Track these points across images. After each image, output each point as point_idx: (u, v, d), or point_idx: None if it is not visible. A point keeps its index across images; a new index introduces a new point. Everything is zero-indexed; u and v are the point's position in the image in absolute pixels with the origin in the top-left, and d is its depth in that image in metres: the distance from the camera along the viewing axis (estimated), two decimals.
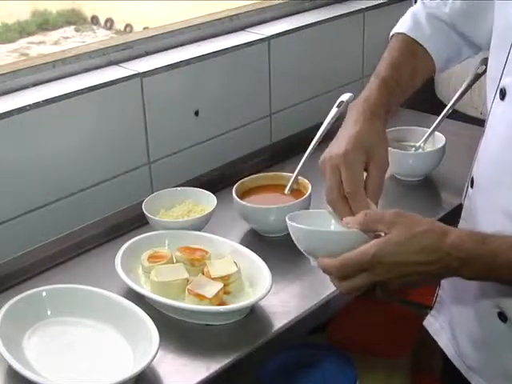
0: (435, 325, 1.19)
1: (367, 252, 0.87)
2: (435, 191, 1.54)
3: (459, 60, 1.26)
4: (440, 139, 1.56)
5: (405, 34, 1.21)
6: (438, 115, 1.59)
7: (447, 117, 1.58)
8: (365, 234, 0.92)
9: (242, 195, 1.38)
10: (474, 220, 1.04)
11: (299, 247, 0.97)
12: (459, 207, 1.45)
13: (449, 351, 1.14)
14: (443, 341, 1.16)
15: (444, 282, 1.16)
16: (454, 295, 1.12)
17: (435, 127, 1.57)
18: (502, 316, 1.00)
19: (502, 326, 1.01)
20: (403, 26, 1.22)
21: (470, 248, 0.87)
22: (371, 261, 0.87)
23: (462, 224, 1.10)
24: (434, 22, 1.21)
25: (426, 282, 0.93)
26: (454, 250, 0.86)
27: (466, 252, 0.86)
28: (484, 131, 1.06)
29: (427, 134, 1.57)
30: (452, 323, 1.13)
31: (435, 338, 1.18)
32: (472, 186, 1.06)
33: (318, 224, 1.00)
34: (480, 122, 1.83)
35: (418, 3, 1.26)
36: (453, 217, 1.45)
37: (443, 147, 1.54)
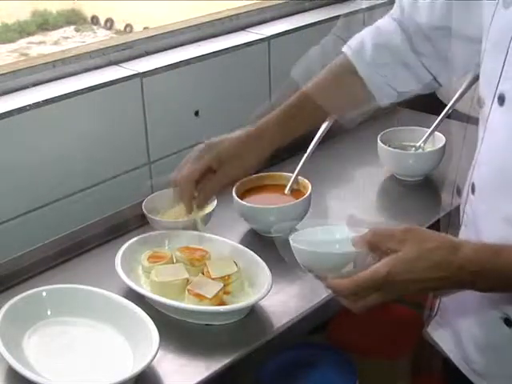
0: (439, 330, 1.18)
1: (380, 271, 0.86)
2: (435, 191, 1.54)
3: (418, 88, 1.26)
4: (440, 139, 1.56)
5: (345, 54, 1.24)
6: (438, 115, 1.59)
7: (447, 117, 1.58)
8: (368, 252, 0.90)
9: (242, 195, 1.38)
10: (476, 227, 1.03)
11: (302, 266, 0.96)
12: (459, 207, 1.46)
13: (454, 356, 1.13)
14: (448, 346, 1.15)
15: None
16: (457, 301, 1.11)
17: (435, 127, 1.57)
18: (508, 321, 1.00)
19: (507, 330, 1.00)
20: (351, 42, 1.25)
21: (482, 261, 0.86)
22: (384, 280, 0.86)
23: (463, 231, 1.09)
24: (382, 51, 1.23)
25: (440, 293, 0.93)
26: (466, 264, 0.86)
27: (479, 266, 0.86)
28: (480, 136, 1.06)
29: (427, 134, 1.57)
30: (456, 328, 1.12)
31: (439, 343, 1.17)
32: (473, 193, 1.05)
33: (322, 240, 0.98)
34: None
35: (386, 17, 1.28)
36: (453, 217, 1.45)
37: (443, 147, 1.54)
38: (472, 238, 1.02)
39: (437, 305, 1.17)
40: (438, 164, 1.54)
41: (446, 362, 1.15)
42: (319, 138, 1.42)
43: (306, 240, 0.97)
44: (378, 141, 1.54)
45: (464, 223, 1.09)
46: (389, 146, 1.54)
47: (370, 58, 1.22)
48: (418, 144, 1.57)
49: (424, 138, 1.56)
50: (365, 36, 1.25)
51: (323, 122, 1.29)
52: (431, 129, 1.57)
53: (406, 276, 0.86)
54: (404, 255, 0.86)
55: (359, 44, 1.24)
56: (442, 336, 1.17)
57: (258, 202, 1.36)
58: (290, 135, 1.25)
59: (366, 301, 0.92)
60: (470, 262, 0.86)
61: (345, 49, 1.25)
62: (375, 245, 0.89)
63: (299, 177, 1.39)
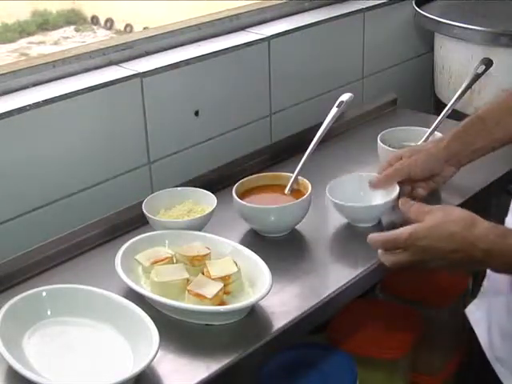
0: (476, 314, 1.21)
1: (403, 232, 1.02)
2: (435, 191, 1.53)
3: None
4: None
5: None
6: (438, 115, 1.59)
7: (447, 117, 1.58)
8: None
9: (242, 195, 1.38)
10: None
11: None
12: (460, 206, 1.46)
13: (483, 340, 1.17)
14: (480, 330, 1.19)
15: (490, 274, 1.18)
16: (495, 287, 1.15)
17: (435, 127, 1.56)
18: None
19: None
20: None
21: (492, 241, 0.94)
22: (407, 240, 1.01)
23: (509, 217, 1.17)
24: None
25: (454, 269, 1.06)
26: (477, 241, 0.95)
27: (489, 244, 0.94)
28: None
29: (427, 133, 1.57)
30: (489, 314, 1.15)
31: (473, 326, 1.21)
32: None
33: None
34: None
35: None
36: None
37: None
38: None
39: (480, 288, 1.23)
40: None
41: (478, 344, 1.18)
42: (319, 138, 1.42)
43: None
44: (378, 141, 1.54)
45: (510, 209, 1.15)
46: (389, 145, 1.54)
47: None
48: (418, 144, 1.57)
49: (424, 137, 1.56)
50: None
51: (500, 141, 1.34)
52: (431, 129, 1.57)
53: (424, 242, 0.99)
54: (427, 222, 1.00)
55: None
56: (476, 320, 1.20)
57: (258, 202, 1.36)
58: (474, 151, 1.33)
59: (394, 256, 1.06)
60: (480, 239, 0.95)
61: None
62: (415, 215, 1.05)
63: (299, 177, 1.39)
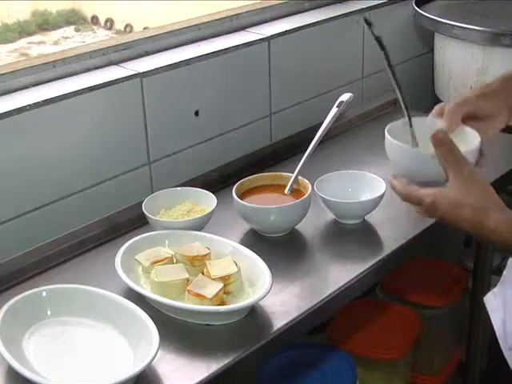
0: (493, 302, 1.22)
1: (426, 197, 1.02)
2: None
3: None
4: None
5: None
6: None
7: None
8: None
9: (242, 195, 1.38)
10: None
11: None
12: None
13: (498, 330, 1.17)
14: (495, 319, 1.19)
15: (510, 264, 1.19)
16: None
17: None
18: None
19: None
20: None
21: (505, 238, 0.97)
22: (428, 206, 1.02)
23: None
24: None
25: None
26: (490, 234, 0.97)
27: (502, 238, 0.97)
28: None
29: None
30: (505, 303, 1.15)
31: (490, 315, 1.22)
32: None
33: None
34: None
35: None
36: None
37: None
38: None
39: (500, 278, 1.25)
40: None
41: (494, 333, 1.19)
42: (319, 138, 1.42)
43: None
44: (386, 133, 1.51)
45: None
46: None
47: None
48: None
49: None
50: None
51: None
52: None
53: (444, 214, 1.01)
54: (449, 195, 1.00)
55: None
56: (493, 308, 1.20)
57: (258, 202, 1.36)
58: None
59: (412, 206, 1.07)
60: (491, 235, 0.97)
61: None
62: (447, 160, 1.02)
63: (299, 177, 1.39)
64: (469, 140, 1.12)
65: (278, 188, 1.41)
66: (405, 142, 1.12)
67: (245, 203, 1.34)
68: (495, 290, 1.22)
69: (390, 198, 1.43)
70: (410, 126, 1.13)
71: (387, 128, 1.14)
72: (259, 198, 1.39)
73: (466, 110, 1.18)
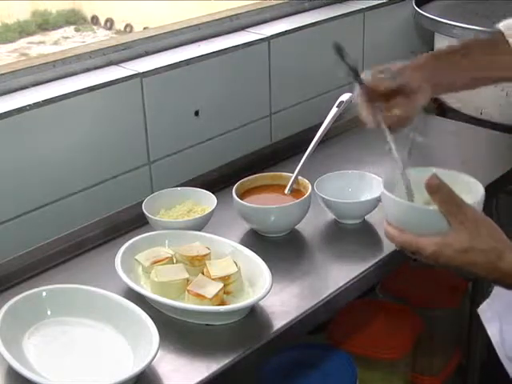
0: (488, 313, 1.21)
1: (427, 247, 0.93)
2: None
3: None
4: None
5: (499, 28, 1.20)
6: (438, 115, 1.58)
7: (447, 117, 1.57)
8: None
9: (242, 195, 1.38)
10: None
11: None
12: None
13: (495, 340, 1.16)
14: (492, 329, 1.18)
15: None
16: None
17: None
18: None
19: None
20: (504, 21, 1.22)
21: None
22: (429, 255, 0.94)
23: None
24: None
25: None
26: (505, 274, 0.92)
27: None
28: None
29: None
30: (501, 313, 1.15)
31: (485, 325, 1.20)
32: None
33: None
34: (480, 122, 1.84)
35: None
36: None
37: None
38: None
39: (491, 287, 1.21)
40: None
41: (491, 345, 1.18)
42: (319, 138, 1.42)
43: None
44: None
45: None
46: None
47: None
48: None
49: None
50: None
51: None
52: None
53: (449, 262, 0.93)
54: (454, 243, 0.92)
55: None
56: (488, 319, 1.19)
57: (258, 202, 1.36)
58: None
59: (411, 255, 1.00)
60: (506, 275, 0.92)
61: (499, 25, 1.23)
62: (445, 207, 0.93)
63: (299, 177, 1.39)
64: (472, 190, 1.01)
65: (278, 188, 1.41)
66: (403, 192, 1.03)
67: (245, 203, 1.34)
68: (488, 300, 1.22)
69: None
70: (404, 177, 1.04)
71: (383, 180, 1.04)
72: (259, 197, 1.39)
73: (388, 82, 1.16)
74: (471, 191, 1.00)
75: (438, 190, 0.92)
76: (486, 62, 1.19)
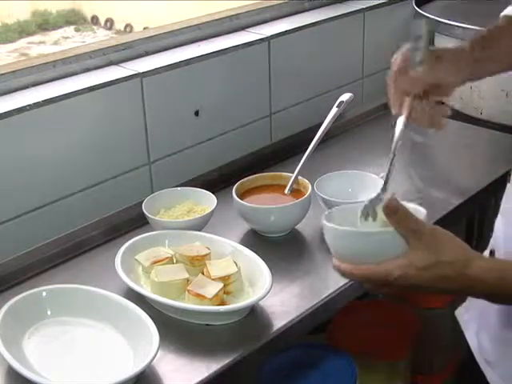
0: (465, 316, 1.21)
1: (391, 273, 0.89)
2: (436, 190, 1.54)
3: None
4: None
5: (507, 14, 1.17)
6: None
7: (447, 117, 1.57)
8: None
9: (242, 195, 1.38)
10: (509, 217, 1.06)
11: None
12: (460, 207, 1.46)
13: (472, 344, 1.16)
14: (469, 333, 1.18)
15: None
16: None
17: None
18: None
19: None
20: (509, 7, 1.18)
21: (489, 283, 0.89)
22: (394, 281, 0.89)
23: (497, 220, 1.12)
24: None
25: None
26: (473, 286, 0.89)
27: (486, 287, 0.89)
28: None
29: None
30: (479, 316, 1.14)
31: (463, 329, 1.20)
32: (509, 181, 1.09)
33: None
34: (480, 122, 1.84)
35: None
36: (454, 217, 1.45)
37: None
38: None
39: None
40: None
41: (468, 347, 1.17)
42: (319, 138, 1.42)
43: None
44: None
45: (500, 212, 1.12)
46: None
47: None
48: None
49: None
50: None
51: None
52: None
53: (415, 282, 0.89)
54: (417, 262, 0.89)
55: None
56: (466, 322, 1.19)
57: (258, 202, 1.36)
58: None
59: (376, 291, 0.96)
60: (475, 284, 0.89)
61: (505, 12, 1.20)
62: (402, 226, 0.90)
63: (299, 177, 1.39)
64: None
65: (278, 188, 1.41)
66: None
67: (245, 203, 1.34)
68: (465, 304, 1.22)
69: None
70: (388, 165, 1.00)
71: (325, 215, 0.97)
72: (259, 197, 1.39)
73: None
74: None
75: (396, 212, 0.89)
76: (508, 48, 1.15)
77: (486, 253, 1.13)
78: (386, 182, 0.99)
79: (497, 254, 1.08)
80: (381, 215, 0.94)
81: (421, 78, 1.07)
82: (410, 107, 1.07)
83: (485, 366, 1.12)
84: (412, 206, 0.94)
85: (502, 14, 1.20)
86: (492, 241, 1.12)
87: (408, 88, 1.07)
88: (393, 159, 1.01)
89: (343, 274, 0.93)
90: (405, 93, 1.07)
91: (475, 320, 1.16)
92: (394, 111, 1.09)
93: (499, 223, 1.11)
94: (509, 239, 1.05)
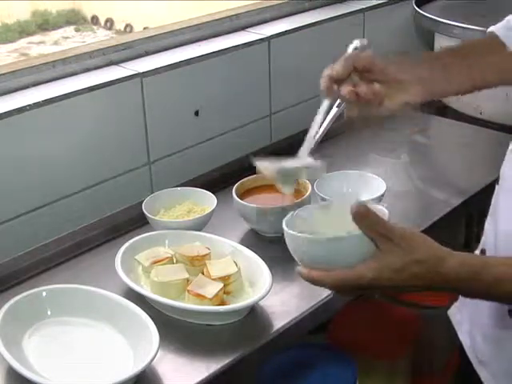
0: (457, 316, 1.21)
1: (364, 276, 0.88)
2: (436, 191, 1.54)
3: None
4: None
5: (493, 31, 1.17)
6: (438, 115, 1.58)
7: (447, 117, 1.58)
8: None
9: (242, 195, 1.38)
10: (497, 217, 1.06)
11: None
12: (459, 207, 1.46)
13: (465, 343, 1.16)
14: (462, 332, 1.18)
15: None
16: None
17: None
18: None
19: (510, 322, 1.02)
20: (497, 24, 1.18)
21: (463, 279, 0.88)
22: (368, 284, 0.88)
23: (488, 220, 1.12)
24: None
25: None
26: (448, 280, 0.88)
27: (460, 283, 0.88)
28: None
29: None
30: (471, 316, 1.15)
31: (456, 328, 1.20)
32: (498, 183, 1.09)
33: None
34: (480, 122, 1.84)
35: None
36: (454, 217, 1.45)
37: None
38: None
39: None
40: None
41: (461, 346, 1.17)
42: (319, 138, 1.42)
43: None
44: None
45: (490, 213, 1.11)
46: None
47: None
48: None
49: None
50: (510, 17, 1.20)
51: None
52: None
53: (389, 283, 0.88)
54: (390, 263, 0.88)
55: (506, 22, 1.19)
56: (458, 322, 1.19)
57: (258, 202, 1.36)
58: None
59: (346, 294, 0.96)
60: (451, 279, 0.88)
61: (491, 28, 1.19)
62: (370, 231, 0.88)
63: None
64: None
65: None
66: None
67: (245, 203, 1.34)
68: (457, 303, 1.22)
69: (390, 198, 1.43)
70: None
71: (285, 219, 0.95)
72: (259, 197, 1.39)
73: (363, 62, 1.07)
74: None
75: (366, 217, 0.88)
76: (484, 64, 1.16)
77: (477, 252, 1.13)
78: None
79: (488, 254, 1.08)
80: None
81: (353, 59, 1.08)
82: (337, 91, 1.08)
83: (477, 365, 1.12)
84: (375, 207, 0.94)
85: (489, 29, 1.20)
86: (482, 240, 1.12)
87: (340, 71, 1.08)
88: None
89: (313, 282, 0.91)
90: (334, 79, 1.08)
91: (467, 320, 1.16)
92: (325, 96, 1.11)
93: (489, 223, 1.11)
94: (498, 238, 1.05)
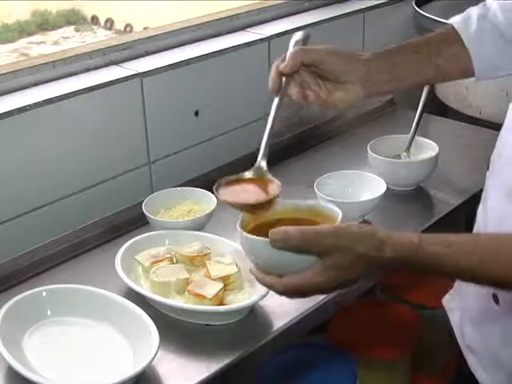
0: (451, 303, 1.22)
1: (312, 281, 0.86)
2: (436, 190, 1.54)
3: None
4: (433, 148, 1.54)
5: (451, 24, 1.15)
6: (438, 115, 1.58)
7: (447, 117, 1.58)
8: None
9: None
10: (486, 203, 1.06)
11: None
12: (459, 207, 1.46)
13: (456, 329, 1.17)
14: (453, 318, 1.19)
15: None
16: None
17: (413, 133, 1.55)
18: (495, 297, 1.02)
19: (495, 307, 1.03)
20: (455, 17, 1.16)
21: (404, 260, 0.87)
22: (316, 289, 0.87)
23: (479, 208, 1.12)
24: (483, 22, 1.14)
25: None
26: (392, 261, 0.87)
27: (403, 263, 0.88)
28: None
29: (408, 140, 1.55)
30: (462, 302, 1.16)
31: (449, 315, 1.21)
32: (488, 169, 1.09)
33: None
34: (479, 122, 1.84)
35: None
36: (454, 217, 1.45)
37: (436, 156, 1.51)
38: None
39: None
40: (430, 173, 1.52)
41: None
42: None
43: None
44: (368, 150, 1.51)
45: (482, 199, 1.11)
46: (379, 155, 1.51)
47: (476, 28, 1.13)
48: (403, 153, 1.55)
49: (406, 145, 1.55)
50: (472, 9, 1.20)
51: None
52: (410, 135, 1.56)
53: (337, 281, 0.87)
54: (338, 263, 0.86)
55: (465, 14, 1.16)
56: (451, 308, 1.20)
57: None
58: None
59: (296, 297, 0.93)
60: (394, 260, 0.87)
61: (450, 20, 1.17)
62: (302, 247, 0.86)
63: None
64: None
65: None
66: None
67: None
68: (451, 291, 1.23)
69: (390, 198, 1.43)
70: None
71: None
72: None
73: (311, 58, 1.12)
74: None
75: (288, 240, 0.85)
76: (438, 57, 1.14)
77: None
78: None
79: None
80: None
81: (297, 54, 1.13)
82: (285, 86, 1.12)
83: (467, 352, 1.13)
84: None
85: (449, 21, 1.19)
86: (475, 229, 1.13)
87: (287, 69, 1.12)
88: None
89: (266, 287, 0.91)
90: (281, 74, 1.12)
91: (459, 307, 1.18)
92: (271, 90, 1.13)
93: (480, 211, 1.12)
94: (488, 226, 1.05)
